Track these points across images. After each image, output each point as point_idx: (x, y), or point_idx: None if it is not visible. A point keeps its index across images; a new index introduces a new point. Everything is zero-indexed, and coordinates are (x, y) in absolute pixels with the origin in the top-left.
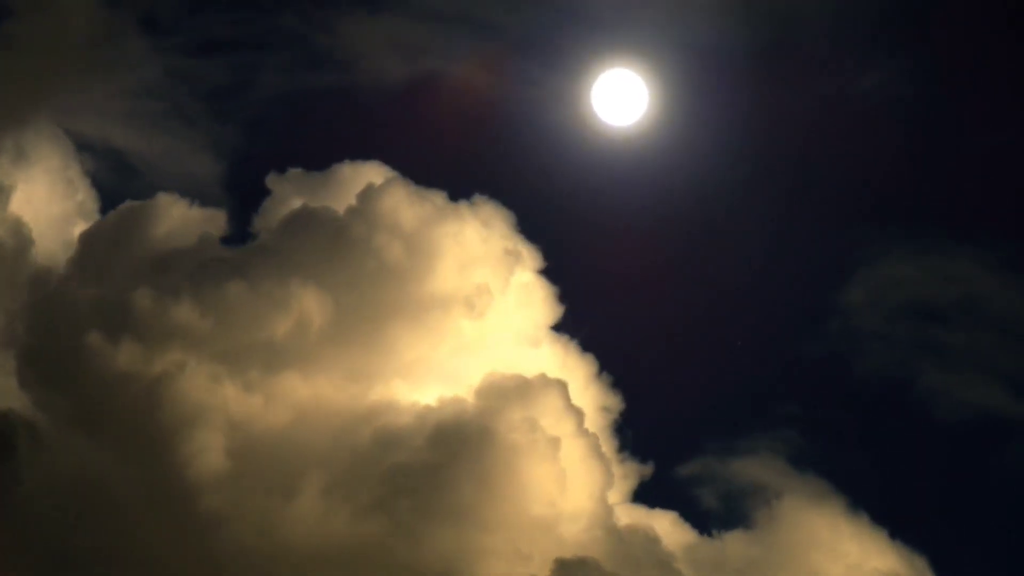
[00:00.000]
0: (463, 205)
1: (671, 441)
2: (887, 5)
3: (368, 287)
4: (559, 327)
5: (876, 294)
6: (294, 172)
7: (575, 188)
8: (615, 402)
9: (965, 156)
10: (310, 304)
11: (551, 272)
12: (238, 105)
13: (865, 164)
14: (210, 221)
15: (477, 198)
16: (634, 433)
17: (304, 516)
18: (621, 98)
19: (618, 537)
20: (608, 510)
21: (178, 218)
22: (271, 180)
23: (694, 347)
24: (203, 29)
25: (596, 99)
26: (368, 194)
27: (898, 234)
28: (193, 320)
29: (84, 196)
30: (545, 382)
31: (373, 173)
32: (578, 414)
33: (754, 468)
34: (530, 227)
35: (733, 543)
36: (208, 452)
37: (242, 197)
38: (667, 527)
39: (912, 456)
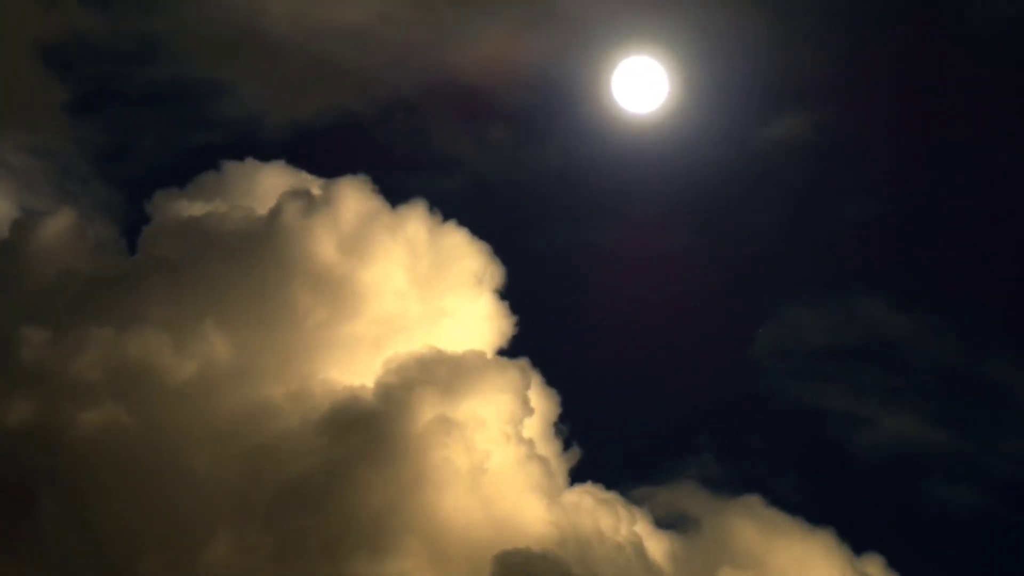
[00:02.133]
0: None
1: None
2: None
3: (277, 309)
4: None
5: (786, 341)
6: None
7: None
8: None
9: (863, 203)
10: (208, 335)
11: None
12: (129, 165)
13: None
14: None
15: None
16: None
17: (216, 554)
18: (642, 85)
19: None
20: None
21: (72, 240)
22: (153, 203)
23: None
24: (92, 83)
25: (617, 86)
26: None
27: (802, 283)
28: (87, 358)
29: None
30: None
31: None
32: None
33: (681, 494)
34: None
35: (679, 542)
36: (114, 494)
37: None
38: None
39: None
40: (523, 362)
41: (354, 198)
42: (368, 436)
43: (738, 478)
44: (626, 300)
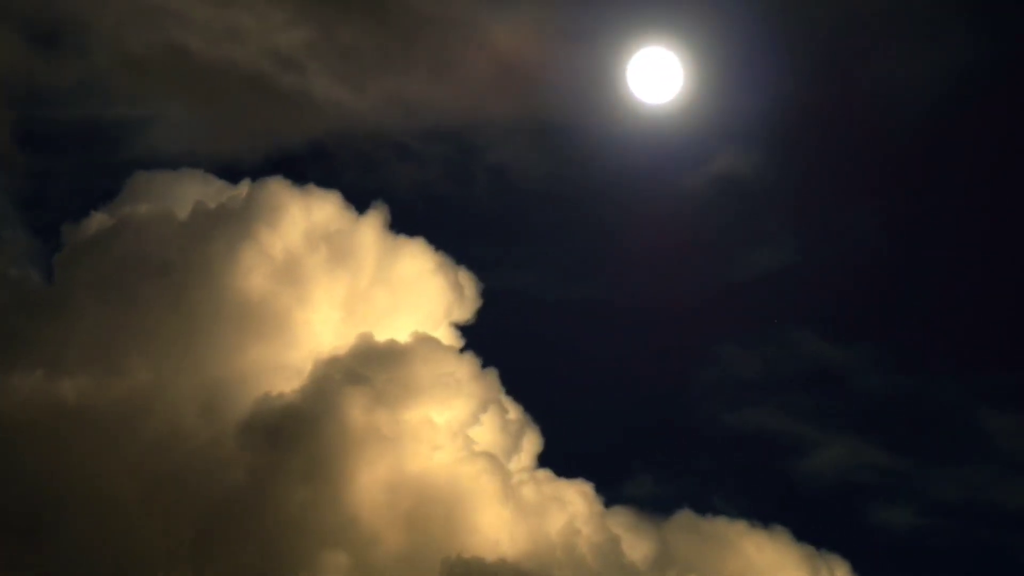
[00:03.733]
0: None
1: None
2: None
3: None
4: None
5: (725, 374)
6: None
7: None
8: None
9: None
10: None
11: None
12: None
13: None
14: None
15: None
16: None
17: None
18: (656, 76)
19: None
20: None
21: None
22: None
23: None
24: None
25: (631, 77)
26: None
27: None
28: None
29: None
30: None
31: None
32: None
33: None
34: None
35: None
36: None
37: None
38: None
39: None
40: (491, 372)
41: (280, 201)
42: (294, 444)
43: (673, 499)
44: (569, 342)
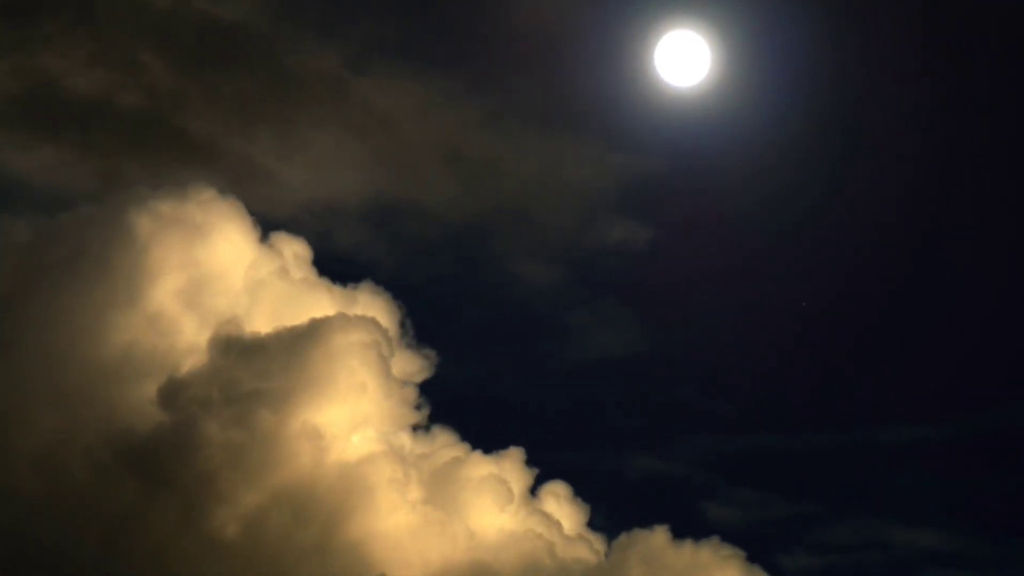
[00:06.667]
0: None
1: None
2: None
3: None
4: None
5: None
6: None
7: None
8: None
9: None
10: None
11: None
12: None
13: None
14: None
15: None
16: None
17: None
18: (684, 59)
19: None
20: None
21: None
22: None
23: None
24: None
25: (659, 60)
26: None
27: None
28: None
29: None
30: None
31: None
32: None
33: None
34: None
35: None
36: None
37: None
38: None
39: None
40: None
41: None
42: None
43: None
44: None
